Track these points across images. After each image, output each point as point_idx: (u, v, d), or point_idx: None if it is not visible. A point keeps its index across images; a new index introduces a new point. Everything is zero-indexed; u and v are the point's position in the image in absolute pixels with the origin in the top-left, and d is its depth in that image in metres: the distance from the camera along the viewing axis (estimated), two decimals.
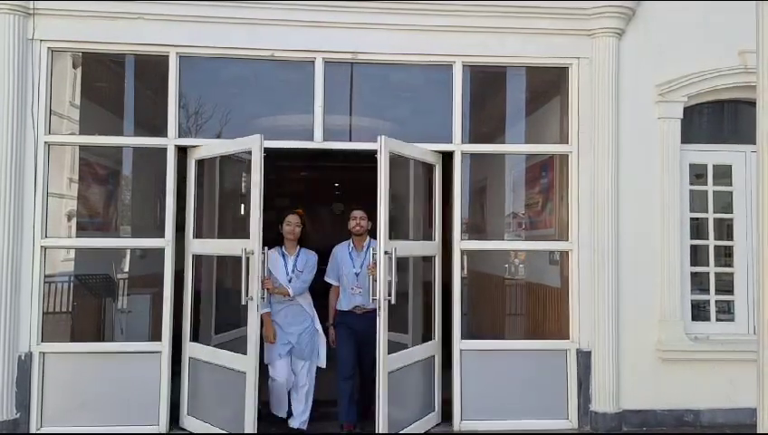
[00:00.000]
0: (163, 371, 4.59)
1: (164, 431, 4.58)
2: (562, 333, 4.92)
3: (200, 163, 4.81)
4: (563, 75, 5.00)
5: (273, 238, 4.62)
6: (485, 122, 5.53)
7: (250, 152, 4.30)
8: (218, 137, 4.87)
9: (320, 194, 11.40)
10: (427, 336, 4.86)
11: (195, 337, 4.74)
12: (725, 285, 5.11)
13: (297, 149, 4.88)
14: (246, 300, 4.14)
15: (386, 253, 4.12)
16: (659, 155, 4.89)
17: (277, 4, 4.64)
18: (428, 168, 4.93)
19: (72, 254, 5.15)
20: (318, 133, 4.76)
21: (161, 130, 4.71)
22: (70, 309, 5.07)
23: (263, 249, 4.24)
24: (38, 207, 4.53)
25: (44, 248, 4.57)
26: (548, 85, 5.33)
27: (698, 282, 5.11)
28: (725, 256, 5.17)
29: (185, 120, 4.83)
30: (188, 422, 4.67)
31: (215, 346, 4.68)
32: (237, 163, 5.01)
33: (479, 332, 5.44)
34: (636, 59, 4.87)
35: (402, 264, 4.60)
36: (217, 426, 4.44)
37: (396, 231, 4.49)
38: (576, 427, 4.78)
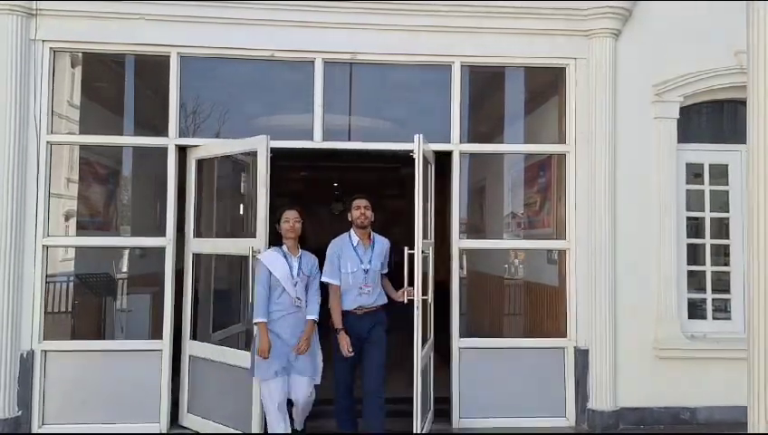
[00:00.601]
0: (164, 369, 4.62)
1: (165, 429, 4.61)
2: (560, 332, 4.96)
3: (200, 163, 4.84)
4: (561, 76, 5.04)
5: (271, 240, 4.41)
6: (484, 122, 5.57)
7: (252, 153, 4.34)
8: (218, 136, 4.90)
9: (319, 194, 11.43)
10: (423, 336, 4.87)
11: (193, 335, 4.77)
12: (723, 284, 5.15)
13: (297, 149, 4.91)
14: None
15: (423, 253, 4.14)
16: (656, 155, 4.93)
17: (277, 5, 4.67)
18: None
19: (73, 253, 5.19)
20: (317, 133, 4.79)
21: (162, 130, 4.75)
22: (71, 308, 5.10)
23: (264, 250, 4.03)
24: (40, 206, 4.57)
25: (46, 247, 4.61)
26: (546, 85, 5.38)
27: (696, 281, 5.16)
28: (725, 254, 5.20)
29: (185, 119, 4.86)
30: (189, 420, 4.70)
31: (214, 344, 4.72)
32: (237, 163, 5.06)
33: (478, 330, 5.48)
34: (632, 59, 4.91)
35: None
36: (221, 423, 4.48)
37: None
38: (573, 425, 4.82)
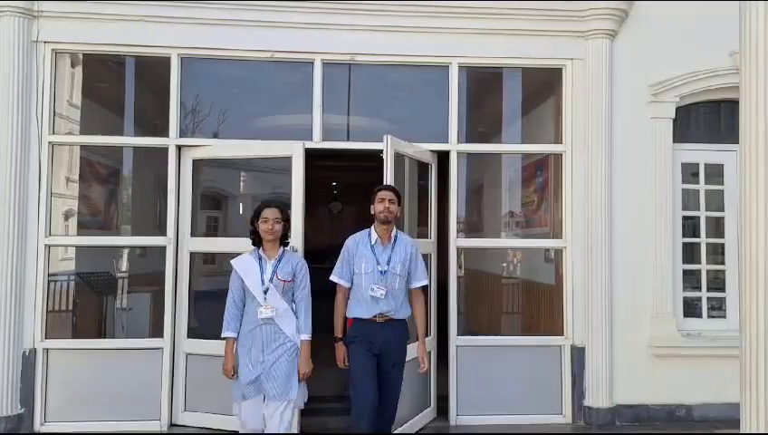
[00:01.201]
0: (164, 367, 4.67)
1: (166, 426, 4.65)
2: (557, 330, 5.01)
3: (198, 162, 4.88)
4: (558, 76, 5.09)
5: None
6: (481, 122, 5.62)
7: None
8: (217, 137, 4.95)
9: (318, 193, 11.49)
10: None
11: (190, 334, 4.81)
12: (719, 283, 5.20)
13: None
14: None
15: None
16: (652, 154, 4.98)
17: (276, 7, 4.72)
18: (424, 167, 5.01)
19: (74, 252, 5.22)
20: (316, 133, 4.84)
21: (162, 130, 4.79)
22: (72, 306, 5.14)
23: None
24: (42, 205, 4.62)
25: (48, 247, 4.66)
26: (543, 86, 5.42)
27: (693, 279, 5.20)
28: (721, 253, 5.25)
29: (186, 120, 4.91)
30: (185, 418, 4.72)
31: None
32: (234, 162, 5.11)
33: (475, 329, 5.52)
34: (629, 60, 4.96)
35: None
36: (220, 418, 4.53)
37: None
38: (570, 422, 4.88)
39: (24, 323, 4.54)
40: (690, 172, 5.22)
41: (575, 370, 4.87)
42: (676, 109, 5.04)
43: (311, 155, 4.63)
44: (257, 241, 3.57)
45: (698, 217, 5.20)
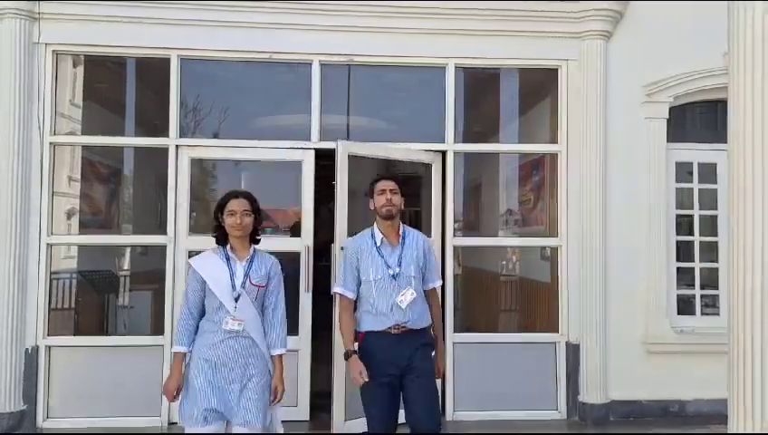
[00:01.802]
0: (165, 364, 4.70)
1: (167, 422, 4.72)
2: (552, 327, 5.07)
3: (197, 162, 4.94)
4: (553, 77, 5.15)
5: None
6: (478, 122, 5.67)
7: None
8: (217, 137, 5.02)
9: (319, 193, 11.51)
10: None
11: None
12: (712, 280, 5.26)
13: (295, 148, 5.01)
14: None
15: None
16: (646, 154, 5.03)
17: (275, 9, 4.77)
18: (424, 167, 5.05)
19: (76, 251, 5.29)
20: (315, 133, 4.90)
21: (163, 131, 4.85)
22: (74, 304, 5.20)
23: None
24: (44, 205, 4.68)
25: (50, 245, 4.72)
26: (538, 86, 5.48)
27: (687, 277, 5.27)
28: (717, 251, 5.31)
29: (186, 120, 4.97)
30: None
31: None
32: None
33: (472, 326, 5.58)
34: (623, 61, 5.01)
35: None
36: None
37: None
38: (565, 417, 4.94)
39: (26, 321, 4.60)
40: (686, 171, 5.29)
41: (570, 366, 4.94)
42: (672, 108, 5.10)
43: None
44: (222, 238, 3.01)
45: (689, 216, 5.26)
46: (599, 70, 4.95)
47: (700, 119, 5.47)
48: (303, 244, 4.78)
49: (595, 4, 4.88)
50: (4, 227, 4.51)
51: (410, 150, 4.95)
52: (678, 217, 5.21)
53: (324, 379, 4.83)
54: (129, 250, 5.57)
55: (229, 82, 5.13)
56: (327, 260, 3.99)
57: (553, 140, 5.19)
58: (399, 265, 3.11)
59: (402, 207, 3.23)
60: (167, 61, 4.83)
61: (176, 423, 4.75)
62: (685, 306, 5.22)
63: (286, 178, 5.09)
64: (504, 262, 6.27)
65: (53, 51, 4.74)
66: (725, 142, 5.02)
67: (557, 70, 5.11)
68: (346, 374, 4.54)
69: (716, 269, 5.23)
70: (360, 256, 3.17)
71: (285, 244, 4.90)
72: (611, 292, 4.93)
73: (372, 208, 3.22)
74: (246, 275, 2.95)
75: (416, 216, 5.39)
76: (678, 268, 5.19)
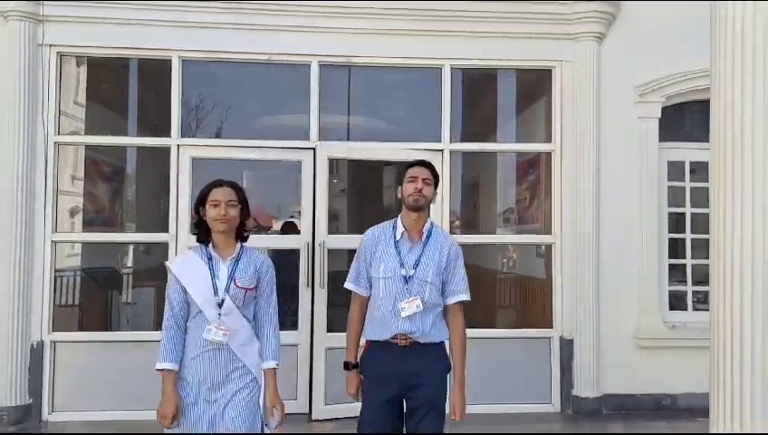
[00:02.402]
0: None
1: None
2: (546, 323, 5.18)
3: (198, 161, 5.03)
4: (547, 77, 5.24)
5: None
6: (474, 122, 5.77)
7: None
8: (218, 136, 5.12)
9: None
10: None
11: None
12: (705, 277, 5.35)
13: (294, 148, 5.11)
14: None
15: None
16: (638, 153, 5.13)
17: (274, 11, 4.86)
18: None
19: (80, 249, 5.39)
20: (313, 133, 4.99)
21: (165, 131, 4.94)
22: (78, 301, 5.30)
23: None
24: (48, 203, 4.77)
25: (55, 243, 4.82)
26: (533, 87, 5.57)
27: (680, 273, 5.36)
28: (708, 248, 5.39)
29: (187, 120, 5.07)
30: None
31: None
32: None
33: (468, 321, 5.66)
34: (616, 62, 5.10)
35: None
36: None
37: None
38: (559, 410, 5.04)
39: (32, 317, 4.70)
40: (681, 170, 5.37)
41: (564, 361, 5.04)
42: (665, 108, 5.19)
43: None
44: (204, 235, 2.63)
45: (682, 213, 5.35)
46: (592, 71, 5.04)
47: (692, 118, 5.55)
48: (303, 241, 4.88)
49: (588, 6, 4.97)
50: (10, 225, 4.61)
51: (398, 150, 5.03)
52: (671, 214, 5.30)
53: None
54: (131, 248, 5.67)
55: (230, 83, 5.23)
56: None
57: (548, 140, 5.28)
58: (415, 267, 2.70)
59: (434, 201, 2.86)
60: (168, 62, 4.92)
61: None
62: (677, 302, 5.32)
63: (286, 177, 5.18)
64: (500, 259, 6.37)
65: (57, 52, 4.84)
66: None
67: (551, 71, 5.20)
68: (326, 361, 4.69)
69: (707, 265, 5.29)
70: (375, 247, 2.79)
71: (285, 241, 4.99)
72: (604, 288, 5.02)
73: (399, 196, 2.83)
74: (231, 276, 2.55)
75: None
76: (671, 265, 5.29)
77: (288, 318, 4.73)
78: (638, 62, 5.11)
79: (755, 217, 2.20)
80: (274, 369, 2.61)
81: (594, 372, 4.97)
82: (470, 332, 5.04)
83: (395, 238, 2.77)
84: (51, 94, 4.81)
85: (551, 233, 5.19)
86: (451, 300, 2.81)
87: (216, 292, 2.52)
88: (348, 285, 2.88)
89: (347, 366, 2.80)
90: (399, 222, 2.81)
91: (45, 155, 4.78)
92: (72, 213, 5.18)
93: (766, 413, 2.16)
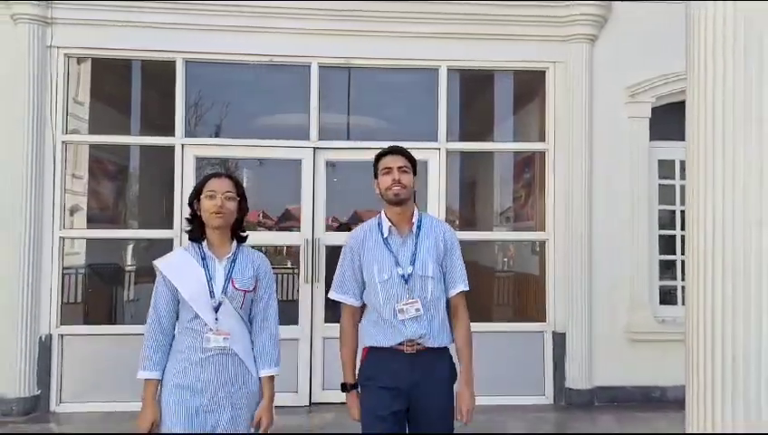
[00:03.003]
0: None
1: None
2: (540, 317, 5.32)
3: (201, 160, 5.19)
4: (541, 78, 5.38)
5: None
6: (469, 122, 5.90)
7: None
8: (219, 136, 5.26)
9: None
10: None
11: None
12: None
13: (294, 147, 5.25)
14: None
15: None
16: (629, 152, 5.26)
17: (275, 14, 5.00)
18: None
19: (86, 246, 5.53)
20: (313, 133, 5.13)
21: (169, 130, 5.08)
22: (85, 295, 5.44)
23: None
24: (56, 200, 4.92)
25: (62, 239, 4.97)
26: (528, 87, 5.71)
27: (671, 269, 5.49)
28: None
29: (191, 120, 5.21)
30: None
31: None
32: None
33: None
34: (607, 63, 5.23)
35: None
36: None
37: None
38: (552, 402, 5.18)
39: (40, 310, 4.84)
40: (671, 168, 5.51)
41: (557, 354, 5.18)
42: (655, 108, 5.32)
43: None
44: (197, 233, 2.40)
45: (675, 211, 5.49)
46: (584, 71, 5.18)
47: (681, 118, 5.63)
48: (303, 237, 5.02)
49: (580, 9, 5.10)
50: (19, 222, 4.76)
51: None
52: (661, 211, 5.44)
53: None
54: (135, 244, 5.80)
55: (232, 84, 5.37)
56: None
57: (542, 139, 5.42)
58: (413, 263, 2.44)
59: (415, 188, 2.54)
60: (172, 63, 5.06)
61: None
62: (667, 297, 5.46)
63: (286, 176, 5.31)
64: (496, 256, 6.50)
65: (65, 54, 4.98)
66: None
67: (545, 72, 5.34)
68: (324, 350, 4.83)
69: None
70: (361, 250, 2.50)
71: (286, 238, 5.13)
72: (596, 283, 5.16)
73: (377, 192, 2.54)
74: (228, 277, 2.35)
75: None
76: (661, 261, 5.43)
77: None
78: (629, 63, 5.24)
79: (725, 216, 2.22)
80: (272, 377, 2.43)
81: (586, 365, 5.10)
82: None
83: (383, 235, 2.49)
84: (58, 95, 4.95)
85: (544, 230, 5.33)
86: (452, 292, 2.54)
87: (212, 294, 2.32)
88: (333, 295, 2.56)
89: (345, 388, 2.51)
90: (384, 218, 2.52)
91: (53, 153, 4.92)
92: (79, 210, 5.31)
93: (737, 399, 2.23)
